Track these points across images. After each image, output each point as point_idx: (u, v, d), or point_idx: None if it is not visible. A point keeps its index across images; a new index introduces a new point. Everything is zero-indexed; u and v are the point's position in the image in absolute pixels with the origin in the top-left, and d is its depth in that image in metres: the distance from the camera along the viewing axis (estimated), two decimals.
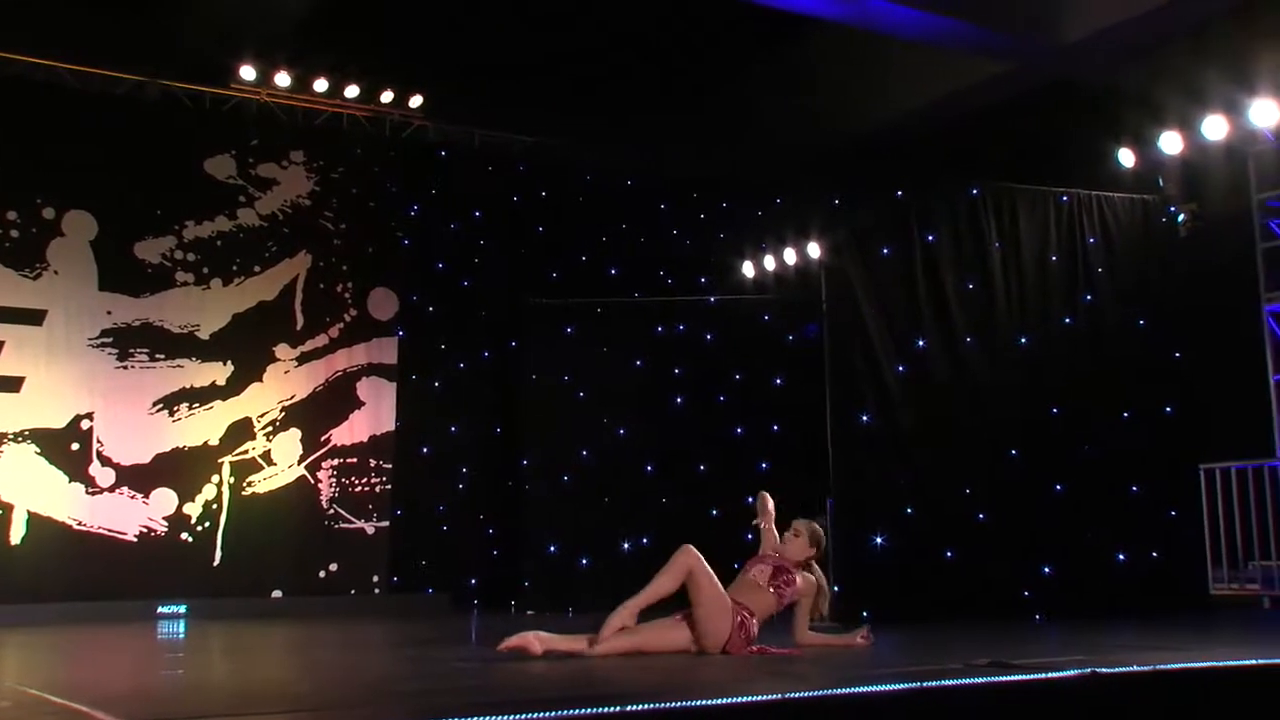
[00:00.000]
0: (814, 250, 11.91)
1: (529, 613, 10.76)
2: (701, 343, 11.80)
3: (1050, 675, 4.56)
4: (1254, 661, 5.02)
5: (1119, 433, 9.55)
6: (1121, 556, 9.37)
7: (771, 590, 6.20)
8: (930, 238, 9.43)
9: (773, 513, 6.56)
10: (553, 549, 11.25)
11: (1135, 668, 4.73)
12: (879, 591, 8.66)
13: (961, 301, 9.38)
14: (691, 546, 5.95)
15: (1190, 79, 10.36)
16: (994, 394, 9.33)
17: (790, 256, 12.90)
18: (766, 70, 13.19)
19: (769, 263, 13.23)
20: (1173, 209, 10.36)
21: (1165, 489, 9.61)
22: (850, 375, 9.05)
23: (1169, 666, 4.81)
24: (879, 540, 8.85)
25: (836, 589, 8.82)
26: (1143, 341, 9.81)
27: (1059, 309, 9.66)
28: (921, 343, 9.24)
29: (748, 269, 13.44)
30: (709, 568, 5.97)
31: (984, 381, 9.32)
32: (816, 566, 6.52)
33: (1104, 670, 4.60)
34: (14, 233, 10.96)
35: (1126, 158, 11.04)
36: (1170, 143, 10.67)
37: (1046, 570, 9.12)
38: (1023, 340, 9.52)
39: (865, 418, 9.01)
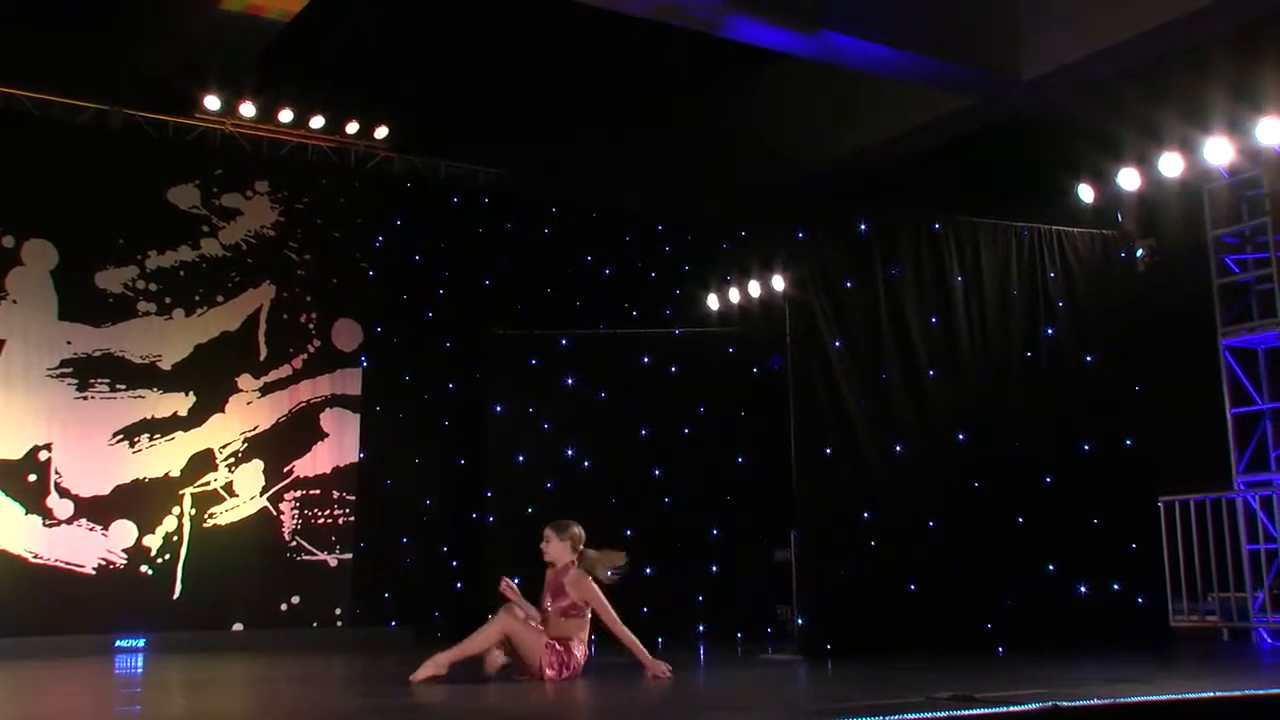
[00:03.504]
0: (778, 283, 11.96)
1: None
2: (666, 375, 11.81)
3: (1012, 709, 4.59)
4: (1213, 694, 5.07)
5: (1079, 465, 9.62)
6: (1082, 589, 9.43)
7: (561, 615, 6.85)
8: (893, 271, 9.50)
9: (517, 592, 7.14)
10: (517, 581, 11.15)
11: (1096, 700, 4.77)
12: (842, 623, 8.68)
13: (924, 335, 9.44)
14: (510, 610, 6.84)
15: (1146, 116, 10.53)
16: (956, 427, 9.39)
17: (754, 289, 12.96)
18: (730, 104, 13.30)
19: (733, 295, 13.28)
20: (1131, 244, 10.49)
21: (1125, 521, 9.69)
22: (814, 408, 9.07)
23: (1130, 699, 4.84)
24: (842, 572, 8.85)
25: (800, 621, 8.86)
26: (1102, 375, 9.90)
27: (1020, 342, 9.74)
28: (884, 375, 9.28)
29: (712, 302, 13.48)
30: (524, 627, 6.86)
31: (946, 414, 9.37)
32: (587, 555, 7.02)
33: (1065, 704, 4.63)
34: None
35: (1086, 193, 11.19)
36: (1128, 179, 10.82)
37: (1008, 602, 9.16)
38: (984, 373, 9.59)
39: (829, 450, 9.02)
